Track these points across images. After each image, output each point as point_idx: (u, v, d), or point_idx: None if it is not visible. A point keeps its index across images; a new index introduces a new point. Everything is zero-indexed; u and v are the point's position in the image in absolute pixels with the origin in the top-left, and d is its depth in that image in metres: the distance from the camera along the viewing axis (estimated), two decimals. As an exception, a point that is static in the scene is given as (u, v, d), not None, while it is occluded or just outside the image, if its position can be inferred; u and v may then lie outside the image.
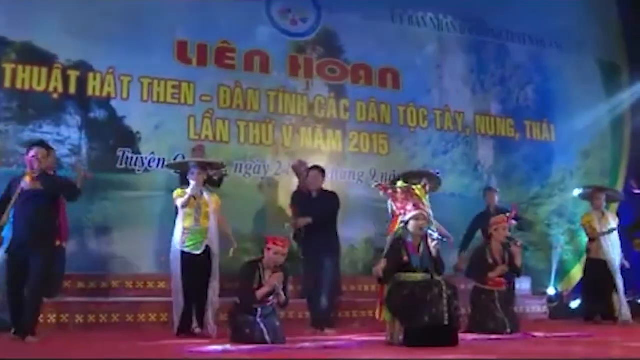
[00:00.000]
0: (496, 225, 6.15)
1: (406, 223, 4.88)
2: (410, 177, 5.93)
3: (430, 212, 5.26)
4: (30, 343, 4.83)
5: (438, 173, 6.59)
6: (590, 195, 7.84)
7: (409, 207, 4.90)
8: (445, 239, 5.20)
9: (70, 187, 5.46)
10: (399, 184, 5.25)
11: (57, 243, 5.63)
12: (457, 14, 9.77)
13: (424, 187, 6.11)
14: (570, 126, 9.89)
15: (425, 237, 4.90)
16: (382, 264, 4.77)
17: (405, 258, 4.75)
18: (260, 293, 4.87)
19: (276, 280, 4.90)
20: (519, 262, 6.05)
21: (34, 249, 4.94)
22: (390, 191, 5.13)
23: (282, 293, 4.95)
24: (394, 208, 5.09)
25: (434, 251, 4.90)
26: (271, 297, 4.95)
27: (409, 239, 4.84)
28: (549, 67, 10.21)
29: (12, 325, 5.02)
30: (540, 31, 10.16)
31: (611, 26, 10.70)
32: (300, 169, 6.97)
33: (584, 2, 10.50)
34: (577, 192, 8.15)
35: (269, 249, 4.96)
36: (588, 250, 7.74)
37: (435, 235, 4.92)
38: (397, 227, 5.01)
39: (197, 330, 5.57)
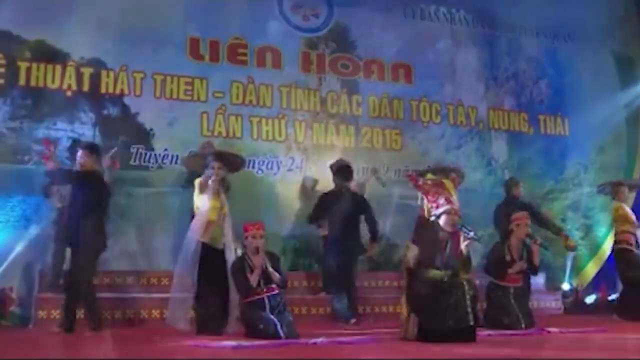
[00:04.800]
0: (518, 221, 6.05)
1: (437, 217, 4.79)
2: (439, 172, 5.88)
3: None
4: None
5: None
6: (613, 190, 7.50)
7: (441, 201, 4.80)
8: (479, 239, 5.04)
9: None
10: (429, 176, 5.17)
11: None
12: (470, 8, 9.72)
13: (453, 180, 6.07)
14: (584, 120, 9.79)
15: (453, 234, 4.76)
16: (414, 251, 4.69)
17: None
18: (252, 278, 4.96)
19: (260, 262, 4.97)
20: (537, 260, 5.97)
21: None
22: (420, 182, 5.05)
23: (274, 272, 5.02)
24: (425, 201, 4.96)
25: (464, 250, 4.75)
26: (274, 285, 5.01)
27: None
28: (563, 60, 10.12)
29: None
30: (554, 24, 10.07)
31: (626, 18, 10.56)
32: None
33: (598, -6, 10.41)
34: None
35: (246, 237, 5.08)
36: (619, 242, 7.20)
37: (471, 234, 4.78)
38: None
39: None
